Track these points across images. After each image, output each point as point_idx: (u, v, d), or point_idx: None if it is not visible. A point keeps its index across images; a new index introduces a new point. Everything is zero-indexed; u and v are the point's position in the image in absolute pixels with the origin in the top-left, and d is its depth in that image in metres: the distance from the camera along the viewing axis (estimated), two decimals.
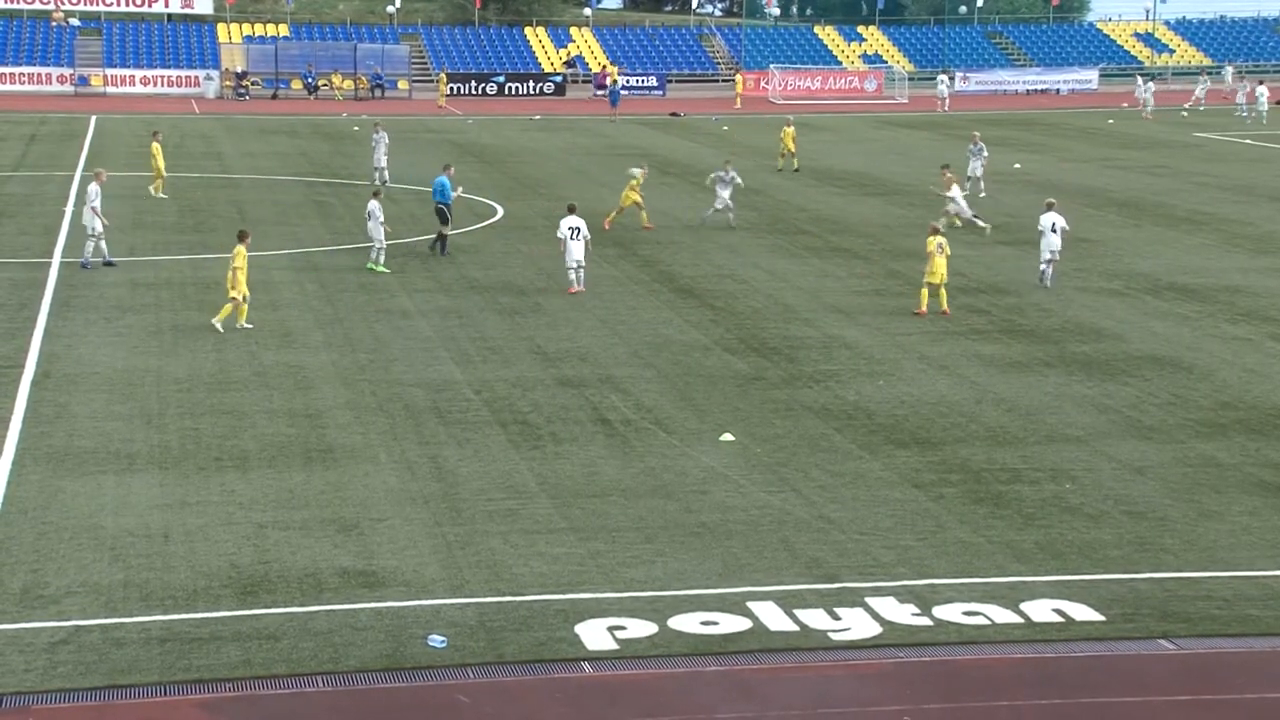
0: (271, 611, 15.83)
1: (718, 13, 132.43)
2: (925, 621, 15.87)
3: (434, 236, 37.69)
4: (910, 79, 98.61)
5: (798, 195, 49.52)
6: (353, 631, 15.39)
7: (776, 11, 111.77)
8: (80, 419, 22.61)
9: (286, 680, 14.37)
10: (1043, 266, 34.04)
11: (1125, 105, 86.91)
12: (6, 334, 27.79)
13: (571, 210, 33.31)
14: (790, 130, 55.65)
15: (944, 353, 27.77)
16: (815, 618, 15.90)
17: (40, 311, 29.75)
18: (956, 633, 15.67)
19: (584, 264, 32.85)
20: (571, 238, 32.61)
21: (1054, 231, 33.68)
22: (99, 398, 23.78)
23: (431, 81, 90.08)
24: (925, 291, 30.90)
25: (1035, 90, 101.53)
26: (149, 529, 18.12)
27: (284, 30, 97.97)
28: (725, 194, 41.63)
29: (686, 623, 15.74)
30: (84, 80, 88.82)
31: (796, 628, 15.69)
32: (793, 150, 55.43)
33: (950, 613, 16.06)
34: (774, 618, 15.88)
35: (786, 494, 19.88)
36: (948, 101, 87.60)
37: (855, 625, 15.75)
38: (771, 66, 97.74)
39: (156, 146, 46.03)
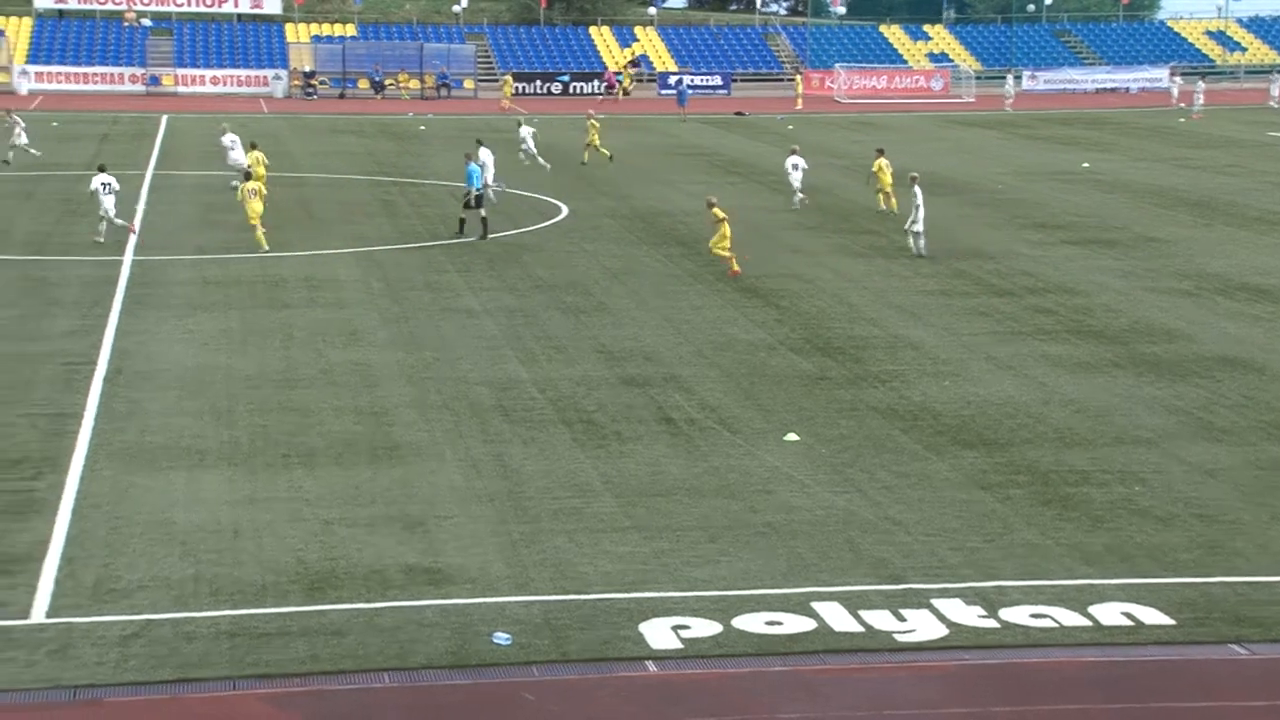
0: (338, 607, 15.95)
1: (783, 11, 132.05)
2: (992, 624, 15.77)
3: (480, 219, 39.07)
4: (977, 78, 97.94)
5: (863, 195, 49.28)
6: (418, 628, 15.47)
7: (842, 10, 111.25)
8: (151, 415, 22.85)
9: (353, 676, 14.48)
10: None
11: (1182, 104, 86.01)
12: (80, 331, 28.14)
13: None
14: (884, 163, 44.76)
15: (1011, 353, 27.57)
16: (880, 619, 15.84)
17: (112, 309, 30.09)
18: (1023, 635, 15.55)
19: None
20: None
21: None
22: (170, 394, 24.04)
23: (497, 81, 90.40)
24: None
25: (1104, 89, 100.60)
26: (219, 524, 18.30)
27: (351, 30, 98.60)
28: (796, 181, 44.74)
29: (751, 622, 15.72)
30: (155, 80, 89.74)
31: (861, 629, 15.63)
32: (890, 186, 44.40)
33: (1017, 615, 15.95)
34: (839, 618, 15.83)
35: (851, 494, 19.80)
36: (1012, 100, 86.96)
37: (921, 627, 15.66)
38: (837, 65, 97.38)
39: (256, 155, 45.61)
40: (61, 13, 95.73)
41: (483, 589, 16.52)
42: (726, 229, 34.39)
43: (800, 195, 45.49)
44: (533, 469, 20.66)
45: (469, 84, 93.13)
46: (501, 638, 15.21)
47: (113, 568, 16.86)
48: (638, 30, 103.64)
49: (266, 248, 36.48)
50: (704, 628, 15.57)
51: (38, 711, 13.74)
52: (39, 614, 15.63)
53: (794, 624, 15.71)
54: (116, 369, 25.50)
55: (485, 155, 43.84)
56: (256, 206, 36.77)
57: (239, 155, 46.86)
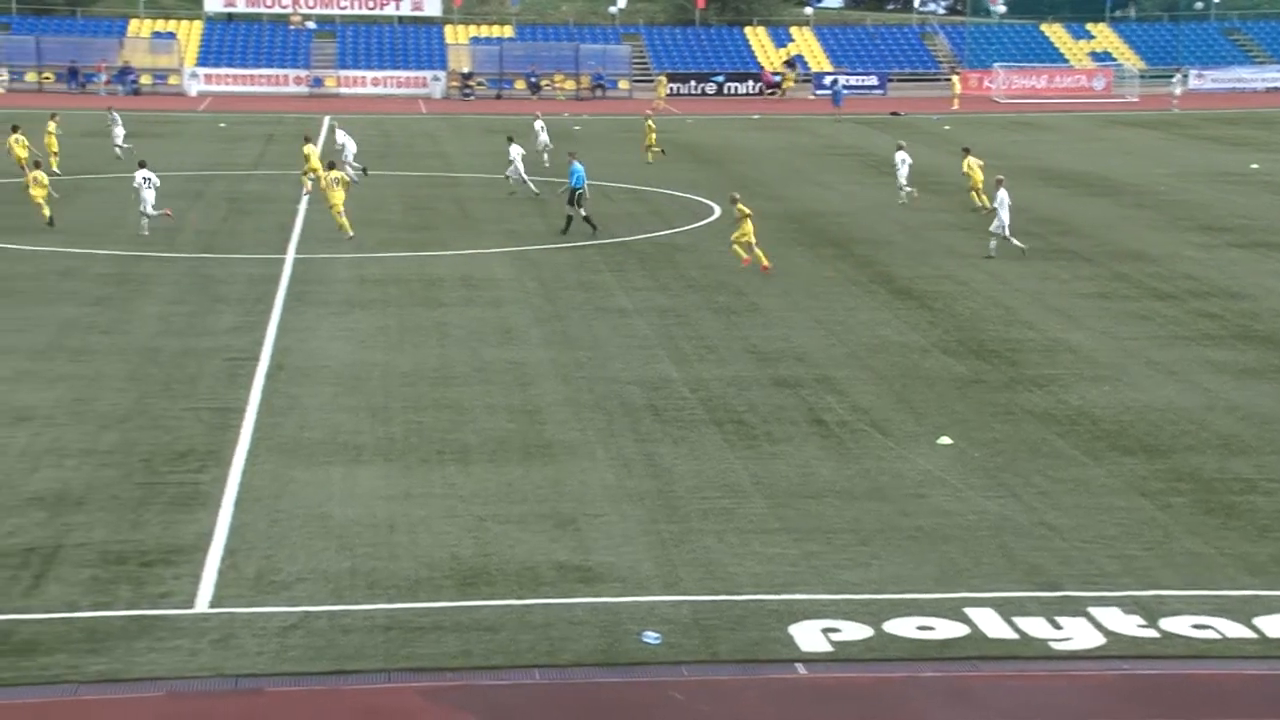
0: (490, 603, 16.12)
1: (941, 11, 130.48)
2: (1151, 633, 15.44)
3: (583, 218, 39.48)
4: (1141, 77, 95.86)
5: (1019, 196, 48.53)
6: (569, 625, 15.58)
7: (1002, 9, 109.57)
8: (310, 411, 23.31)
9: (504, 672, 14.63)
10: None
11: None
12: (244, 327, 28.81)
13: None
14: (972, 161, 44.69)
15: (1173, 358, 26.95)
16: (1035, 626, 15.59)
17: (275, 306, 30.76)
18: (1185, 646, 15.20)
19: None
20: None
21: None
22: (328, 390, 24.50)
23: (652, 81, 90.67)
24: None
25: (1275, 89, 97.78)
26: (375, 519, 18.60)
27: (509, 32, 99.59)
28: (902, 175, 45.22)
29: (902, 627, 15.58)
30: (318, 82, 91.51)
31: (1016, 635, 15.40)
32: (980, 184, 44.25)
33: (1178, 625, 15.59)
34: (992, 624, 15.62)
35: (1006, 499, 19.52)
36: (1178, 100, 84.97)
37: (1077, 635, 15.39)
38: (995, 65, 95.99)
39: (310, 149, 46.77)
40: (230, 16, 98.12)
41: (632, 588, 16.58)
42: (749, 225, 34.50)
43: (908, 189, 45.50)
44: (683, 469, 20.69)
45: (624, 84, 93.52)
46: (651, 637, 15.25)
47: (273, 560, 17.23)
48: (793, 30, 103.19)
49: (350, 234, 38.17)
50: (855, 631, 15.46)
51: (203, 700, 14.09)
52: (203, 604, 16.04)
53: (946, 629, 15.53)
54: (278, 365, 26.05)
55: (515, 151, 46.70)
56: (339, 195, 38.75)
57: (351, 150, 49.49)
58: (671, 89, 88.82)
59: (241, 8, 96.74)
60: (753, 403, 24.01)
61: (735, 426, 22.70)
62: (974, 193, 44.23)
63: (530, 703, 14.15)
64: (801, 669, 14.75)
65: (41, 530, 17.97)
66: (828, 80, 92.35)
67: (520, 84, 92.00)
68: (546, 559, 17.38)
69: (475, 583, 16.66)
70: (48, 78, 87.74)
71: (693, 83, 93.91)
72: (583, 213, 39.54)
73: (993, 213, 37.02)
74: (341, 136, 50.76)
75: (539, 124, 55.38)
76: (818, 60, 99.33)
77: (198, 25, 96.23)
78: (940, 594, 16.42)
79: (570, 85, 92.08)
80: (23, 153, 47.62)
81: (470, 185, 50.95)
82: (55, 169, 48.65)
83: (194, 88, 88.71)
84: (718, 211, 44.54)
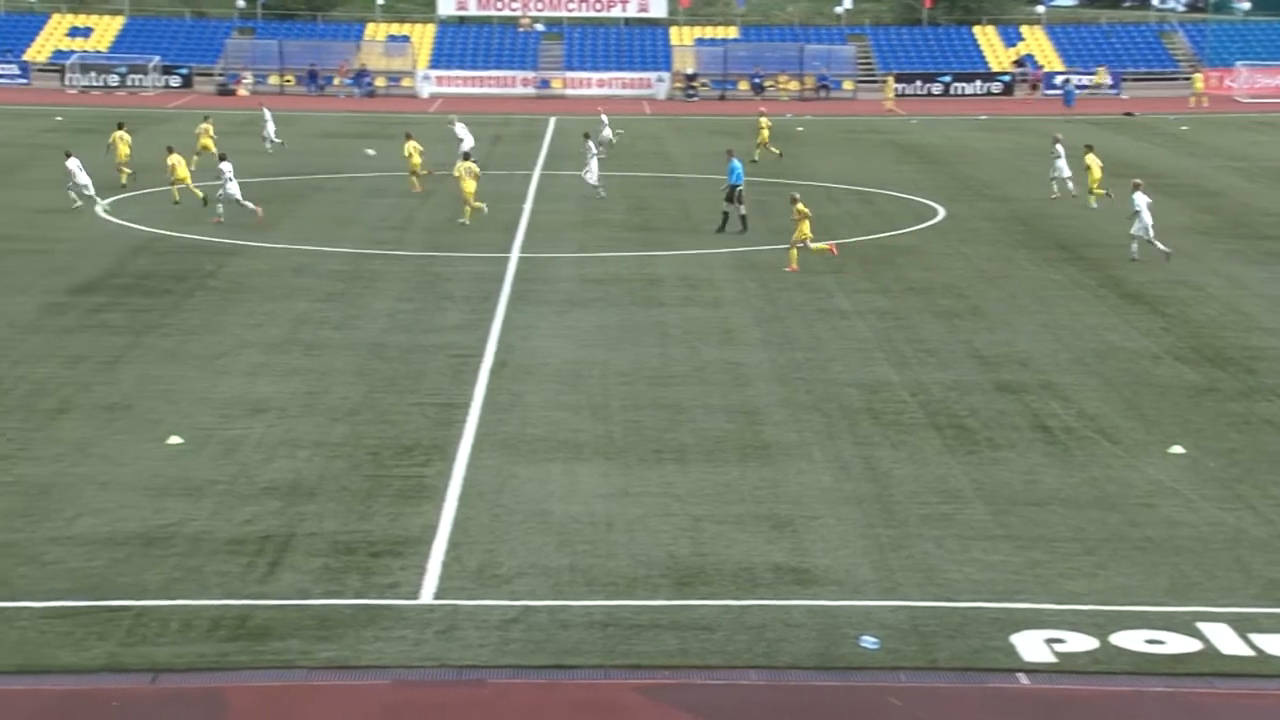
0: (707, 603, 16.15)
1: (1180, 8, 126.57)
2: None
3: (739, 216, 39.69)
4: None
5: (1260, 198, 46.90)
6: (785, 628, 15.52)
7: (1247, 5, 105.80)
8: (532, 408, 23.66)
9: (720, 671, 14.64)
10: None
11: None
12: (470, 325, 29.38)
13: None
14: (1092, 158, 44.98)
15: None
16: (1274, 644, 15.01)
17: (499, 304, 31.30)
18: None
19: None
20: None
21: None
22: (549, 388, 24.83)
23: (876, 82, 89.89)
24: None
25: None
26: (593, 516, 18.79)
27: (734, 33, 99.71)
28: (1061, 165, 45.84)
29: (1130, 640, 15.16)
30: (545, 83, 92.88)
31: (1252, 653, 14.86)
32: (1097, 182, 44.62)
33: None
34: (1227, 641, 15.09)
35: (1242, 511, 18.84)
36: None
37: None
38: (1238, 63, 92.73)
39: (412, 145, 47.90)
40: (462, 19, 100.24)
41: (850, 591, 16.45)
42: (806, 226, 34.61)
43: (1065, 181, 45.64)
44: (902, 473, 20.45)
45: (848, 85, 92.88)
46: (869, 641, 15.12)
47: (495, 554, 17.53)
48: (1024, 29, 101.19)
49: (467, 222, 40.64)
50: (1080, 642, 15.10)
51: (427, 689, 14.42)
52: (428, 595, 16.40)
53: (1177, 644, 15.06)
54: (501, 362, 26.51)
55: (592, 149, 47.44)
56: (470, 185, 41.18)
57: (469, 143, 51.22)
58: (897, 89, 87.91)
59: (473, 10, 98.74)
60: (974, 407, 23.61)
61: (956, 431, 22.36)
62: (1091, 192, 44.28)
63: (746, 704, 14.13)
64: (1024, 679, 14.46)
65: (276, 519, 18.59)
66: (1059, 80, 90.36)
67: (744, 85, 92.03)
68: (763, 560, 17.34)
69: (692, 582, 16.71)
70: (289, 80, 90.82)
71: (918, 83, 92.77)
72: (741, 210, 39.74)
73: (1133, 216, 35.87)
74: (461, 130, 53.30)
75: (604, 119, 59.75)
76: (1048, 60, 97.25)
77: (431, 28, 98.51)
78: (1171, 607, 15.93)
79: (794, 86, 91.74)
80: (209, 143, 51.36)
81: (692, 186, 51.14)
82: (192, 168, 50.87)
83: (425, 89, 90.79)
84: (941, 213, 43.94)
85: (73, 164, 42.97)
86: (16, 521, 18.37)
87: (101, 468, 20.45)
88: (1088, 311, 30.60)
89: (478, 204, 41.36)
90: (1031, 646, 15.03)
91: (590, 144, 48.18)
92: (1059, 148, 46.58)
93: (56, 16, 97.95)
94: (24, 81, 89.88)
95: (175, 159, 43.92)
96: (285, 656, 14.91)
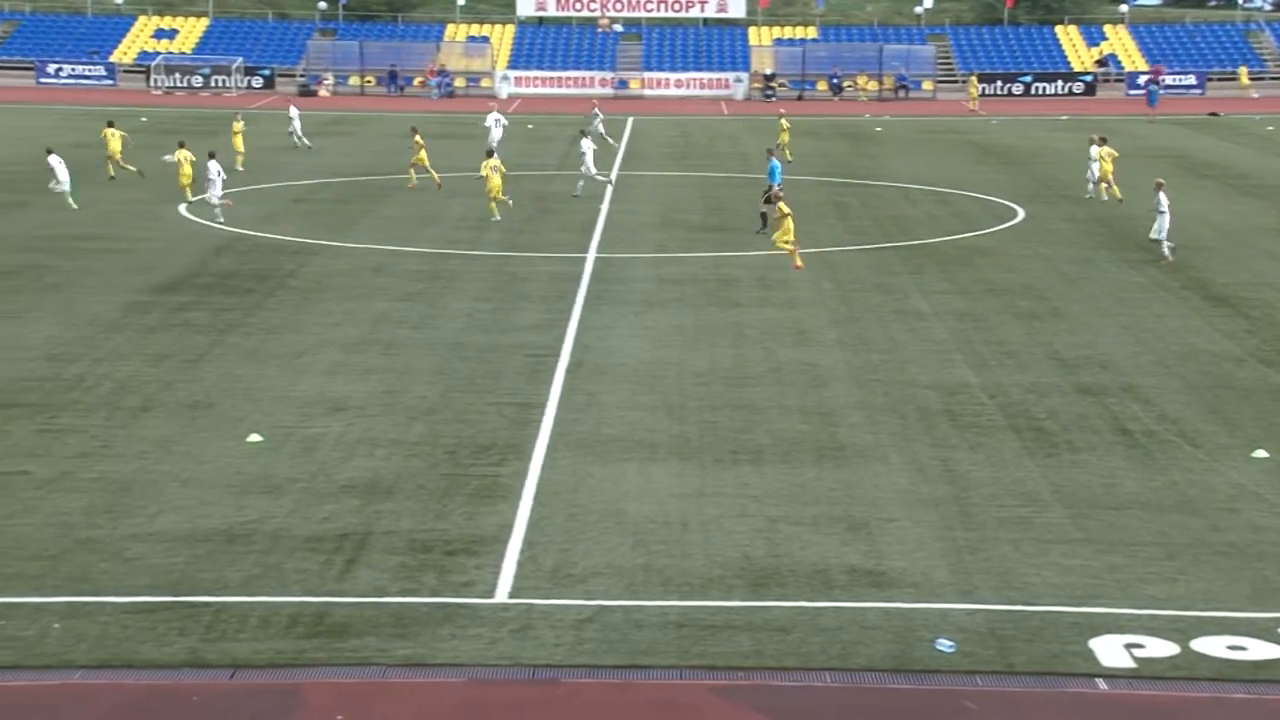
0: (782, 604, 16.11)
1: (1267, 7, 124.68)
2: None
3: (759, 214, 39.76)
4: None
5: None
6: (860, 630, 15.46)
7: None
8: (608, 407, 23.70)
9: (795, 673, 14.60)
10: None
11: None
12: (546, 324, 29.48)
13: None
14: (1105, 151, 45.81)
15: None
16: None
17: (575, 304, 31.38)
18: None
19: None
20: None
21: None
22: (625, 388, 24.87)
23: (957, 82, 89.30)
24: None
25: None
26: (668, 516, 18.80)
27: (812, 33, 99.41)
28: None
29: (1211, 645, 14.97)
30: (623, 84, 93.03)
31: None
32: (1109, 175, 45.45)
33: None
34: None
35: None
36: None
37: None
38: None
39: (418, 141, 48.92)
40: (541, 20, 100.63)
41: (926, 594, 16.36)
42: (790, 224, 34.52)
43: (1102, 185, 45.25)
44: (979, 475, 20.30)
45: (928, 85, 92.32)
46: (945, 644, 15.02)
47: (570, 554, 17.58)
48: (1107, 29, 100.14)
49: (497, 217, 41.52)
50: (1160, 648, 14.93)
51: (502, 688, 14.48)
52: (502, 594, 16.47)
53: (1260, 650, 14.86)
54: (577, 362, 26.58)
55: (586, 145, 47.42)
56: (496, 181, 41.90)
57: (497, 134, 52.91)
58: (979, 89, 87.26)
59: (552, 11, 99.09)
60: (1053, 410, 23.40)
61: (1034, 434, 22.17)
62: (1104, 185, 44.63)
63: (822, 705, 14.09)
64: (1103, 685, 14.32)
65: (354, 517, 18.75)
66: (1142, 80, 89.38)
67: (822, 85, 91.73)
68: (839, 562, 17.28)
69: (766, 583, 16.68)
70: (369, 81, 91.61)
71: (999, 83, 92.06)
72: (762, 209, 39.60)
73: (1158, 215, 35.40)
74: (490, 120, 55.20)
75: (598, 113, 61.98)
76: (1132, 59, 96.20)
77: (510, 29, 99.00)
78: (1254, 613, 15.71)
79: (873, 86, 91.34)
80: (239, 143, 52.67)
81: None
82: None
83: (504, 89, 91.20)
84: (1021, 214, 43.58)
85: (54, 160, 43.89)
86: (99, 518, 18.65)
87: (183, 465, 20.71)
88: (1170, 313, 30.24)
89: (503, 198, 42.12)
90: (1110, 651, 14.88)
91: (585, 140, 48.45)
92: (1094, 150, 46.24)
93: (142, 18, 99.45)
94: (110, 83, 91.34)
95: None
96: (361, 654, 15.03)
